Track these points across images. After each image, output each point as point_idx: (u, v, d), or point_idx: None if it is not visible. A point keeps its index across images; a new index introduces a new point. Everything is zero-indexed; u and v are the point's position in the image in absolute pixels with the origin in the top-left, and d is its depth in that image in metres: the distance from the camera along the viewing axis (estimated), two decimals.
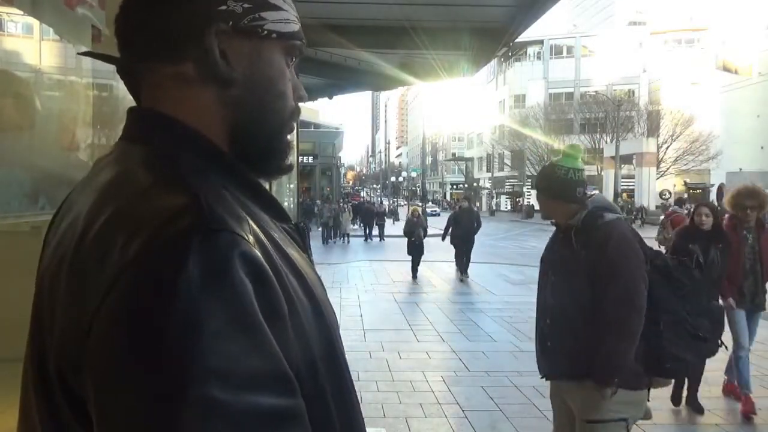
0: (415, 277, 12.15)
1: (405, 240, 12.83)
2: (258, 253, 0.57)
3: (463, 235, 12.18)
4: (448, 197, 75.14)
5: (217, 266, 0.52)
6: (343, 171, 60.65)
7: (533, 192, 50.36)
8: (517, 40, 5.04)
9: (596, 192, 2.64)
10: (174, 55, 0.66)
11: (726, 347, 2.98)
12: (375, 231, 24.79)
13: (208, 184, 0.61)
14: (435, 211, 47.91)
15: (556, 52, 55.02)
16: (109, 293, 0.51)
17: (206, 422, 0.48)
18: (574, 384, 2.43)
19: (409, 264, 12.28)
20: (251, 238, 0.58)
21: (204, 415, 0.48)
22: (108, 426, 0.50)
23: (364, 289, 10.69)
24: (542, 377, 2.59)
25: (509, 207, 56.27)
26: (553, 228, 2.69)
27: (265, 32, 0.69)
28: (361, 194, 60.84)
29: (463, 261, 12.23)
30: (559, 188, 2.51)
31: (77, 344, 0.53)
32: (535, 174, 47.00)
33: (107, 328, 0.51)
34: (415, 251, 12.41)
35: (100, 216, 0.58)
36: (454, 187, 77.76)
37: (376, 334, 7.26)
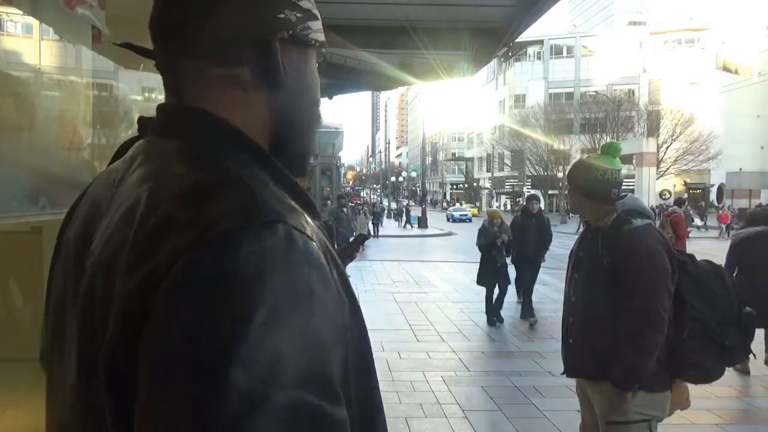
0: (492, 322, 7.73)
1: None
2: (316, 245, 0.58)
3: (531, 253, 8.17)
4: (448, 197, 75.13)
5: (274, 259, 0.52)
6: (343, 171, 60.63)
7: (533, 192, 50.64)
8: (517, 40, 5.04)
9: (629, 194, 2.56)
10: (232, 58, 0.68)
11: (755, 356, 2.98)
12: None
13: (257, 179, 0.62)
14: (466, 215, 40.57)
15: (556, 52, 55.02)
16: (160, 284, 0.51)
17: (253, 414, 0.48)
18: (595, 384, 2.42)
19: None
20: (308, 230, 0.58)
21: (252, 407, 0.48)
22: (153, 408, 0.50)
23: (364, 289, 10.68)
24: (562, 374, 2.56)
25: (509, 207, 56.31)
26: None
27: (312, 42, 0.73)
28: (362, 194, 60.80)
29: (529, 296, 8.18)
30: (593, 188, 2.43)
31: (130, 336, 0.53)
32: (535, 174, 47.17)
33: (160, 316, 0.51)
34: (497, 278, 7.72)
35: (155, 211, 0.57)
36: (454, 187, 77.80)
37: (376, 334, 7.25)
